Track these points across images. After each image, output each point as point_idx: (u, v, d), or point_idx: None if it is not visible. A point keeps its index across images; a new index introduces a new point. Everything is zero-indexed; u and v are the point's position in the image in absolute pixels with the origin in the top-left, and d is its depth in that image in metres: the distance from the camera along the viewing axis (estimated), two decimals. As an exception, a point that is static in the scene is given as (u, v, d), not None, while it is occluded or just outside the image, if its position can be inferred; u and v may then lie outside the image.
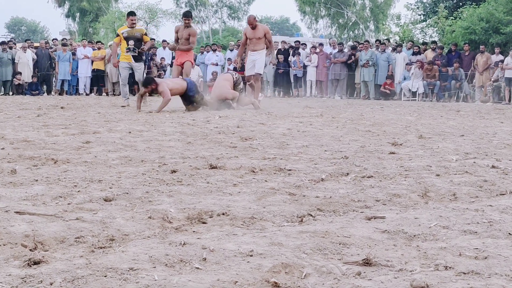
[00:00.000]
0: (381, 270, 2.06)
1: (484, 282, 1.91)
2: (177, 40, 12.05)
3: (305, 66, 20.79)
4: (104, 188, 3.44)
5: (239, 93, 10.82)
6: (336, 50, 20.68)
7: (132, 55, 11.98)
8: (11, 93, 19.16)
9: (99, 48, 20.69)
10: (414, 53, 19.59)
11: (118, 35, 12.32)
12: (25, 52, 19.56)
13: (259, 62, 12.03)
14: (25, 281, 1.88)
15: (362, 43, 21.45)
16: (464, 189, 3.54)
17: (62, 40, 22.12)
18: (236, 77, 10.92)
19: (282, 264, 2.07)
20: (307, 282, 1.94)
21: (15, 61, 19.29)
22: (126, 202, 3.09)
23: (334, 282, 1.94)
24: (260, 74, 12.19)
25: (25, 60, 19.40)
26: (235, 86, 10.79)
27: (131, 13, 12.58)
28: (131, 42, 11.94)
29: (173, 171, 4.02)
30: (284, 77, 20.96)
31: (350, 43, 26.43)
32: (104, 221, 2.64)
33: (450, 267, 2.06)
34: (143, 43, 12.17)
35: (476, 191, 3.53)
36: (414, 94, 19.03)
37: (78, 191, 3.33)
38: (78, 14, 44.19)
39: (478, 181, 3.81)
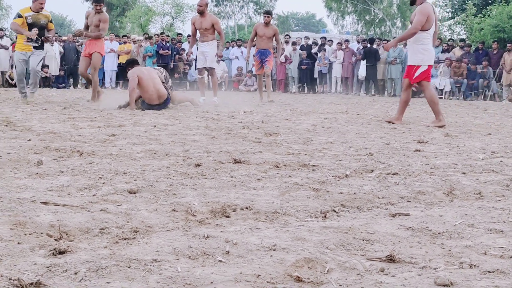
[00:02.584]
0: (404, 267, 2.04)
1: (510, 281, 1.89)
2: (87, 27, 10.96)
3: (330, 63, 20.71)
4: (129, 180, 3.46)
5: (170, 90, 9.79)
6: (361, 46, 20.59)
7: (33, 46, 10.27)
8: (38, 85, 19.38)
9: (125, 42, 20.84)
10: (443, 51, 19.39)
11: (20, 16, 10.15)
12: (52, 46, 19.76)
13: (210, 54, 11.38)
14: (50, 270, 1.90)
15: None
16: (490, 188, 3.50)
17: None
18: (164, 75, 9.82)
19: (305, 259, 2.07)
20: (330, 277, 1.93)
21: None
22: (151, 194, 3.11)
23: (357, 278, 1.93)
24: (213, 68, 11.55)
25: (52, 53, 19.61)
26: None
27: None
28: (35, 31, 10.09)
29: (197, 165, 4.03)
30: (309, 73, 20.90)
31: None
32: (128, 213, 2.66)
33: (474, 266, 2.04)
34: (46, 31, 10.39)
35: (503, 190, 3.48)
36: (440, 92, 18.86)
37: (103, 183, 3.35)
38: (105, 8, 44.57)
39: (505, 180, 3.76)
